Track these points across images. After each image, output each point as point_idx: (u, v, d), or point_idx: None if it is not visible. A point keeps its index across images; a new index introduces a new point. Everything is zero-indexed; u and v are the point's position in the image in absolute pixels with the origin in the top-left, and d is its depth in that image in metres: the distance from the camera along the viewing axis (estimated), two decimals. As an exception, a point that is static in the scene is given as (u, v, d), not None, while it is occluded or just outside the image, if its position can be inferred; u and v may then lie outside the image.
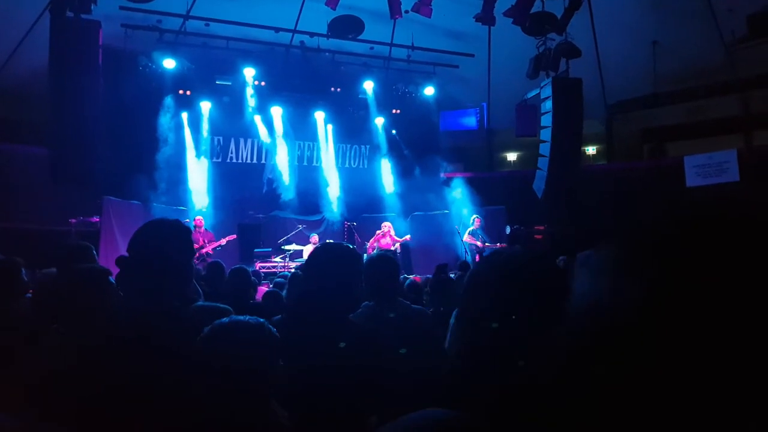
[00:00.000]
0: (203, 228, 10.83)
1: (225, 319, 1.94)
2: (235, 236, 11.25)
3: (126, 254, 2.20)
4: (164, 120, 12.10)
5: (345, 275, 2.42)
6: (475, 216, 11.93)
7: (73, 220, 9.70)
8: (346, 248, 2.59)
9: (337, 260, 2.47)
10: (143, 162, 11.38)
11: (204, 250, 10.27)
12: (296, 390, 2.14)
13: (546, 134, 11.14)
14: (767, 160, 12.03)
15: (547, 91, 11.11)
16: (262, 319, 1.92)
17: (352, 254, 2.55)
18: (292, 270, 10.73)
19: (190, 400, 1.77)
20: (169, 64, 11.98)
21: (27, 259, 4.00)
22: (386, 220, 12.77)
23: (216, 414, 1.73)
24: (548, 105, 11.06)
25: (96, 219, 9.81)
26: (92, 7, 8.55)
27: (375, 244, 11.92)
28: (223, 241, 10.85)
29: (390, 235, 12.00)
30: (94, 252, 4.06)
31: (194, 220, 10.83)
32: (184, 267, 2.17)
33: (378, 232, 12.13)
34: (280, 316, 2.53)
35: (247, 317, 1.94)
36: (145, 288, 2.08)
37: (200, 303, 2.70)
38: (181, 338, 2.01)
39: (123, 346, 2.08)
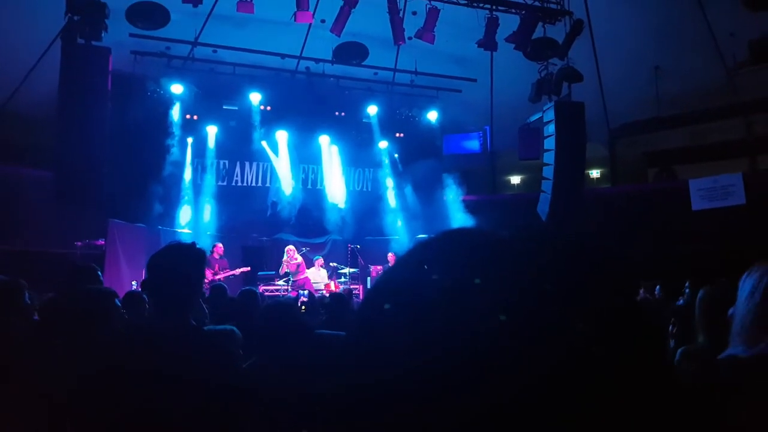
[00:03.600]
0: (218, 255, 10.74)
1: None
2: (248, 268, 11.28)
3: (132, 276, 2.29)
4: (171, 144, 12.23)
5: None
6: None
7: (79, 243, 9.76)
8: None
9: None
10: (149, 185, 11.46)
11: (217, 277, 10.20)
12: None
13: (549, 157, 11.21)
14: (772, 183, 12.03)
15: (550, 115, 11.20)
16: None
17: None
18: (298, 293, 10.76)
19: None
20: (176, 89, 12.18)
21: (32, 281, 4.03)
22: (389, 243, 12.90)
23: None
24: (551, 128, 11.14)
25: (101, 242, 9.87)
26: (103, 34, 8.74)
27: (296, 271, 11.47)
28: (237, 272, 10.88)
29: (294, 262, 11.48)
30: (99, 273, 4.09)
31: (214, 246, 10.80)
32: (198, 288, 2.25)
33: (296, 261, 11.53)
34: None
35: None
36: (167, 307, 2.15)
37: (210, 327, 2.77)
38: (201, 357, 2.08)
39: (129, 367, 2.12)
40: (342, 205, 14.09)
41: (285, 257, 11.50)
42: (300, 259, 11.61)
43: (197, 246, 2.36)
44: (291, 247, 11.72)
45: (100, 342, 2.55)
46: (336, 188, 14.23)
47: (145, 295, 4.98)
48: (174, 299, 2.23)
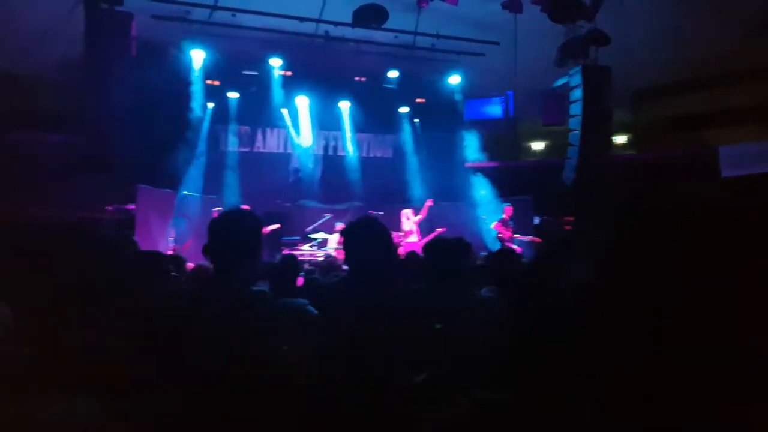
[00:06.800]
0: None
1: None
2: (279, 225, 11.24)
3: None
4: (192, 110, 12.24)
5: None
6: (505, 205, 11.88)
7: (110, 208, 9.87)
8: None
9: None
10: (171, 152, 11.52)
11: None
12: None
13: (575, 123, 11.04)
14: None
15: (577, 80, 11.00)
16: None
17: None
18: (320, 258, 10.86)
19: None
20: (197, 54, 12.10)
21: (62, 248, 4.04)
22: (410, 209, 12.93)
23: None
24: (577, 93, 10.95)
25: (131, 206, 9.97)
26: (124, -1, 8.68)
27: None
28: (267, 230, 10.93)
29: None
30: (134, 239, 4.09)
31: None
32: (258, 253, 2.29)
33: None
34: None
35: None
36: (227, 271, 2.19)
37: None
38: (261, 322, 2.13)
39: (189, 330, 2.16)
40: (363, 171, 14.09)
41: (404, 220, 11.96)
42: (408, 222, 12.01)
43: (254, 214, 2.42)
44: (405, 211, 12.11)
45: (163, 303, 2.60)
46: (357, 154, 14.22)
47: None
48: (233, 263, 2.26)
